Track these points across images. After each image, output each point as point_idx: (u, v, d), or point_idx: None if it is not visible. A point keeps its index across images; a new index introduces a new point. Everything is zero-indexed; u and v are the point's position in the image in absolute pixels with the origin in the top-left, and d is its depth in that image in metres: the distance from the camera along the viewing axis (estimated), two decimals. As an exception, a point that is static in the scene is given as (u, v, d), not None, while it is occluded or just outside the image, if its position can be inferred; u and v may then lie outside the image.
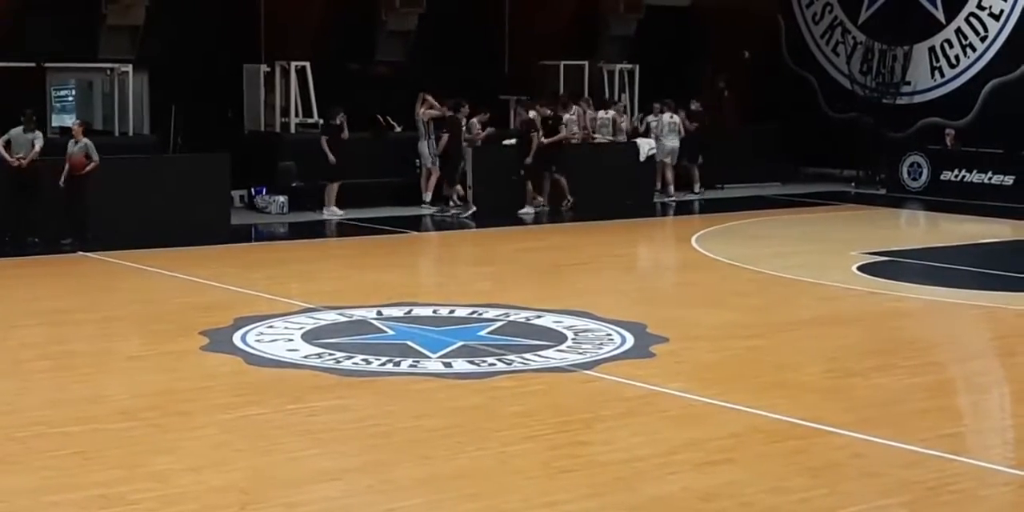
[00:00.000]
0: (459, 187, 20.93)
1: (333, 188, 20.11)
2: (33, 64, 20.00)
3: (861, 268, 15.60)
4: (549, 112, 21.44)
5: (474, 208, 20.54)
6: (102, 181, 17.21)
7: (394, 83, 22.81)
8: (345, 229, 19.34)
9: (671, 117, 23.04)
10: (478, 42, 24.76)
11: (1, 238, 16.70)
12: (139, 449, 8.16)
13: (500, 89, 23.75)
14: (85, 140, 17.18)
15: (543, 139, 20.78)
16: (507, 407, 9.26)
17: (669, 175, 23.11)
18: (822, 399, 9.62)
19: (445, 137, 20.72)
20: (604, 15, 25.41)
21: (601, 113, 22.92)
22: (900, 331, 12.59)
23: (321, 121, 20.94)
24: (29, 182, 16.76)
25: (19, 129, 16.91)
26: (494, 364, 10.46)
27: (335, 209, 20.08)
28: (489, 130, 21.46)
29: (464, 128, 21.00)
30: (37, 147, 16.81)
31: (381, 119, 21.81)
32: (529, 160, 20.60)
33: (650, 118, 23.16)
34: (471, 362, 10.50)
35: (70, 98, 20.49)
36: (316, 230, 19.56)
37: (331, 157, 19.82)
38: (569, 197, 20.98)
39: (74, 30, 21.16)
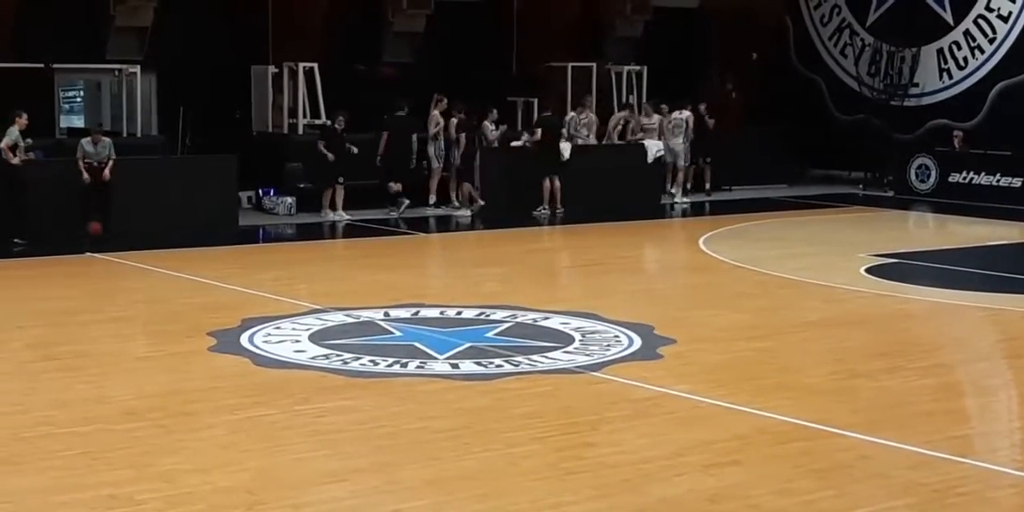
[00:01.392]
0: (399, 185, 20.78)
1: (328, 193, 20.08)
2: (41, 65, 20.05)
3: (869, 270, 15.59)
4: (546, 114, 21.61)
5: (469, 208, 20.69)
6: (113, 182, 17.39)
7: (402, 85, 22.82)
8: (352, 230, 19.36)
9: (674, 116, 23.08)
10: (485, 43, 24.78)
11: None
12: (146, 449, 8.16)
13: (508, 91, 23.76)
14: (108, 140, 17.79)
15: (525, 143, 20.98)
16: (514, 408, 9.26)
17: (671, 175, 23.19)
18: (829, 401, 9.61)
19: (385, 135, 20.67)
20: (611, 16, 25.41)
21: (676, 114, 22.92)
22: (907, 333, 12.58)
23: (326, 123, 20.93)
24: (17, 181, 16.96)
25: None
26: (501, 365, 10.46)
27: (340, 213, 20.04)
28: (502, 127, 21.55)
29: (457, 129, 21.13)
30: (3, 143, 16.93)
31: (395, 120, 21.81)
32: (457, 161, 20.77)
33: (666, 118, 23.12)
34: (478, 363, 10.49)
35: (78, 99, 20.54)
36: (323, 231, 19.58)
37: (329, 155, 19.82)
38: (549, 206, 20.90)
39: (82, 31, 21.21)
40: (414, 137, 20.90)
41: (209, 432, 8.58)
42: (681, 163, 22.95)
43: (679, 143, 22.78)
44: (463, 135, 20.90)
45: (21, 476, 7.61)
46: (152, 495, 7.28)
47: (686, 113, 22.91)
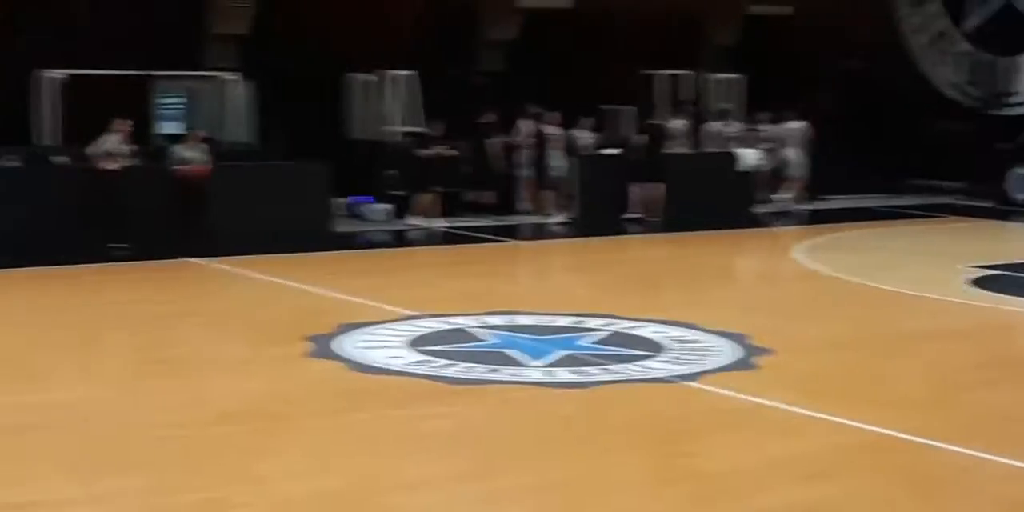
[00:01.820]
0: (489, 194, 20.87)
1: (423, 200, 20.18)
2: (141, 72, 20.34)
3: (968, 281, 15.34)
4: (652, 121, 21.61)
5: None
6: (208, 188, 17.62)
7: (495, 93, 22.88)
8: (446, 237, 19.42)
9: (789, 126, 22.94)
10: (580, 51, 24.77)
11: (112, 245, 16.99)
12: (242, 453, 8.21)
13: (602, 98, 23.73)
14: (204, 145, 18.10)
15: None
16: (608, 417, 9.22)
17: (770, 183, 23.03)
18: (927, 413, 9.46)
19: (473, 143, 20.77)
20: (706, 24, 25.30)
21: (792, 124, 22.79)
22: (1008, 345, 12.37)
23: (421, 131, 21.05)
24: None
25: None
26: (596, 374, 10.41)
27: (434, 220, 20.11)
28: (596, 135, 21.57)
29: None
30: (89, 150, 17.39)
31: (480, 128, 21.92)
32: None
33: (764, 127, 22.99)
34: (573, 371, 10.45)
35: (176, 106, 20.83)
36: (418, 238, 19.65)
37: (432, 152, 19.94)
38: (645, 213, 20.72)
39: (181, 39, 21.49)
40: (500, 145, 20.96)
41: (305, 437, 8.61)
42: (793, 173, 22.74)
43: (793, 152, 22.59)
44: (533, 140, 20.96)
45: (122, 478, 7.68)
46: (248, 499, 7.32)
47: (801, 123, 22.72)
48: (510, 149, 21.14)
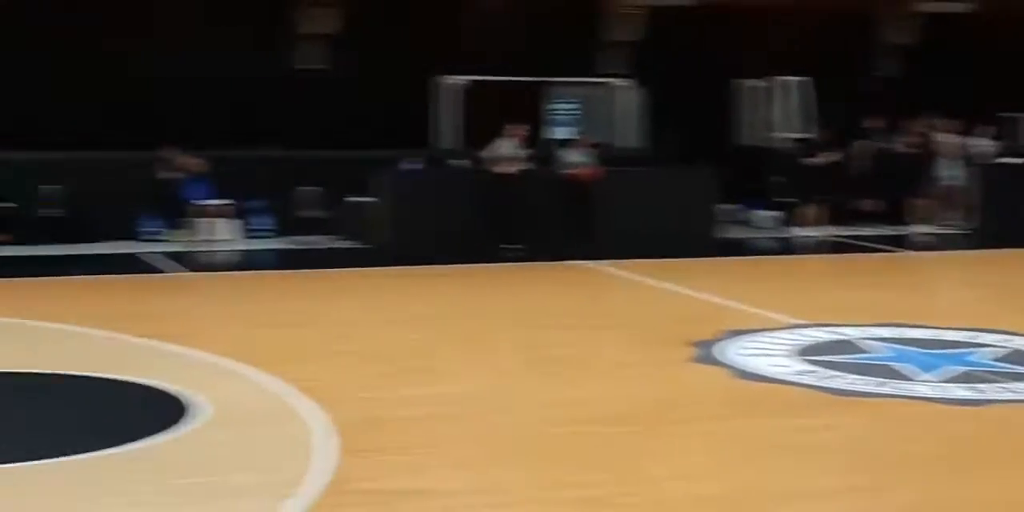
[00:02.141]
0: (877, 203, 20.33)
1: (806, 208, 19.90)
2: (537, 79, 20.91)
3: None
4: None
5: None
6: (596, 192, 17.93)
7: (891, 99, 22.36)
8: (836, 246, 19.10)
9: None
10: (979, 55, 23.88)
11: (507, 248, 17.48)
12: (624, 454, 8.26)
13: (1002, 105, 22.81)
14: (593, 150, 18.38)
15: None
16: (1005, 437, 8.80)
17: None
18: None
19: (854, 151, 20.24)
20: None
21: None
22: None
23: (809, 138, 20.83)
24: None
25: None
26: (992, 391, 9.98)
27: (821, 228, 19.82)
28: (996, 144, 20.80)
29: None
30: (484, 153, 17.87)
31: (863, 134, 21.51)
32: None
33: None
34: (966, 388, 10.05)
35: (569, 112, 21.32)
36: (806, 246, 19.40)
37: (819, 161, 19.69)
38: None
39: (575, 45, 21.93)
40: (874, 149, 20.50)
41: (689, 441, 8.60)
42: None
43: None
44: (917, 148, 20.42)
45: (506, 470, 7.87)
46: (633, 499, 7.36)
47: None
48: (888, 156, 20.61)
